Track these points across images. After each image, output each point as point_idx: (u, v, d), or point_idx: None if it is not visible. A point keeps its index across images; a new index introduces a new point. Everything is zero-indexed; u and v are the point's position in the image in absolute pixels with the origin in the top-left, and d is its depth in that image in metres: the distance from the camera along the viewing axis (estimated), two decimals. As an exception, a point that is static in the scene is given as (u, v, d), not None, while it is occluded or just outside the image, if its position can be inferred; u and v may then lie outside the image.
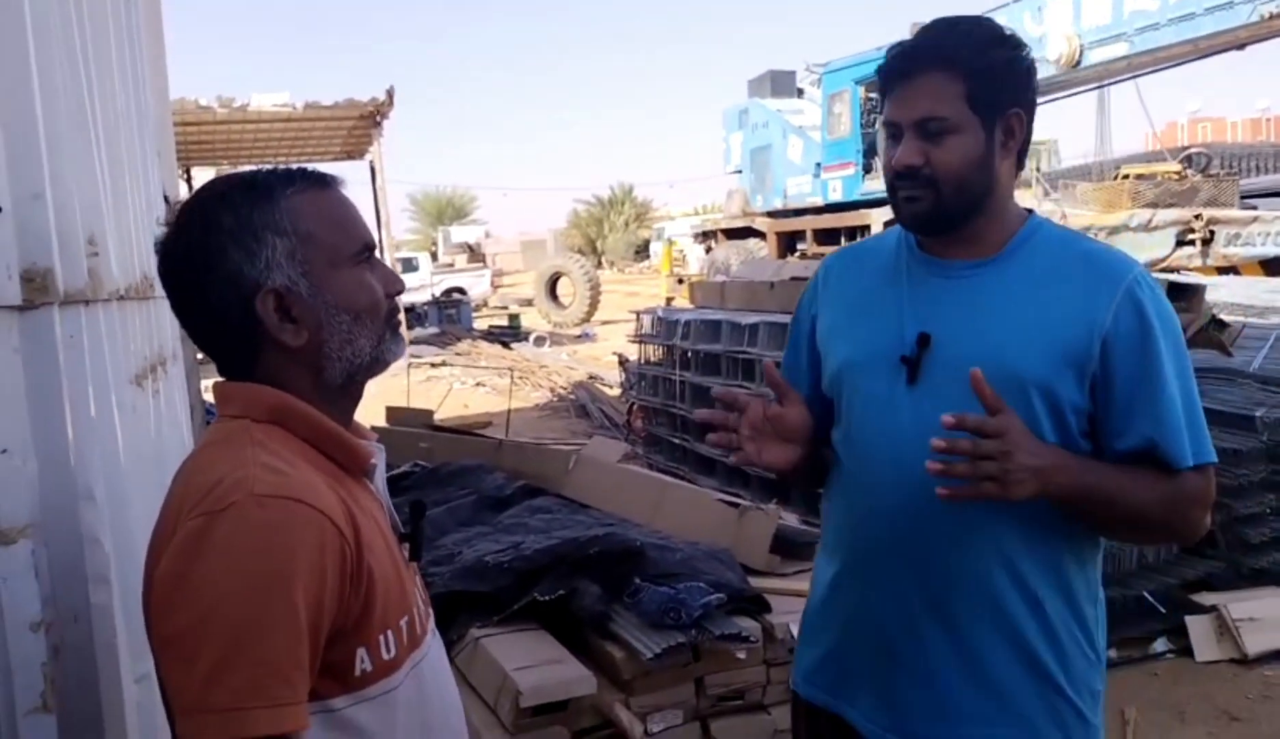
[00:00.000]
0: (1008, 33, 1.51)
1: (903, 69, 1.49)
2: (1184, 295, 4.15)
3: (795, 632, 2.51)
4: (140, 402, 2.24)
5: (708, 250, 17.84)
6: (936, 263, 1.54)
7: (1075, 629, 1.50)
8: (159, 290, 2.88)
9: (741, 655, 2.91)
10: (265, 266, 1.12)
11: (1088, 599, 1.52)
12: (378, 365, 1.22)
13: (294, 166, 1.22)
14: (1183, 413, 1.43)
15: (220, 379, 1.20)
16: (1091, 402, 1.45)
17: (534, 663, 2.82)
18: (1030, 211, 1.58)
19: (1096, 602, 1.54)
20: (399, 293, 1.26)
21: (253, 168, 1.22)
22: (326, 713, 1.08)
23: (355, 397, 1.25)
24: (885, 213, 12.12)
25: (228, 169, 17.13)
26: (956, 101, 1.44)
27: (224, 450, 1.10)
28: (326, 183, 1.20)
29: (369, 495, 1.21)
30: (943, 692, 1.50)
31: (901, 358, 1.49)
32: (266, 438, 1.11)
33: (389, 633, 1.14)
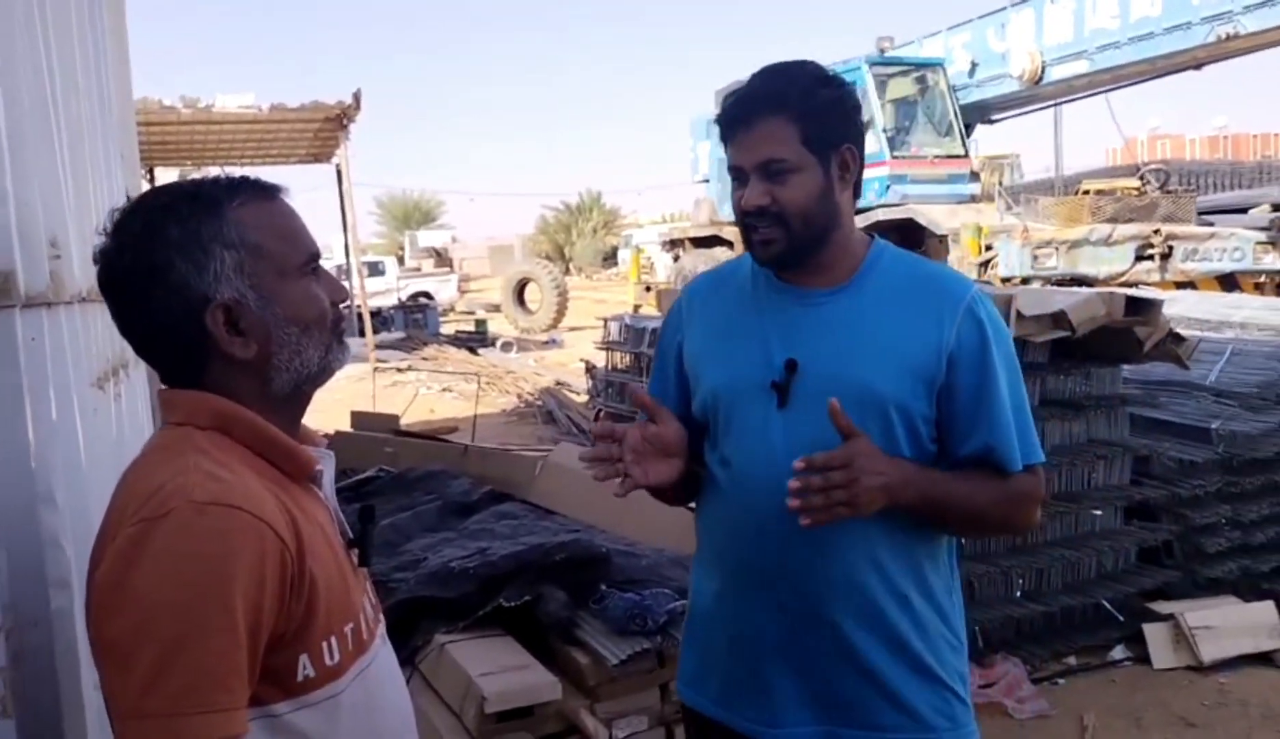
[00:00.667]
0: (831, 73, 1.62)
1: (741, 117, 1.58)
2: (1142, 310, 4.22)
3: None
4: (101, 405, 2.21)
5: (675, 258, 17.89)
6: (793, 291, 1.64)
7: (939, 620, 1.63)
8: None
9: (706, 662, 2.92)
10: (214, 279, 1.12)
11: (944, 592, 1.65)
12: (324, 374, 1.23)
13: (237, 176, 1.22)
14: (1013, 420, 1.57)
15: (164, 388, 1.20)
16: (937, 411, 1.58)
17: (499, 669, 2.82)
18: (873, 237, 1.69)
19: (952, 593, 1.67)
20: (344, 301, 1.27)
21: (197, 175, 1.21)
22: (268, 718, 1.08)
23: (302, 404, 1.25)
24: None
25: (192, 170, 16.97)
26: (793, 143, 1.55)
27: (165, 457, 1.10)
28: (272, 193, 1.20)
29: (315, 501, 1.21)
30: (828, 688, 1.60)
31: (772, 383, 1.58)
32: (209, 445, 1.11)
33: (332, 639, 1.14)
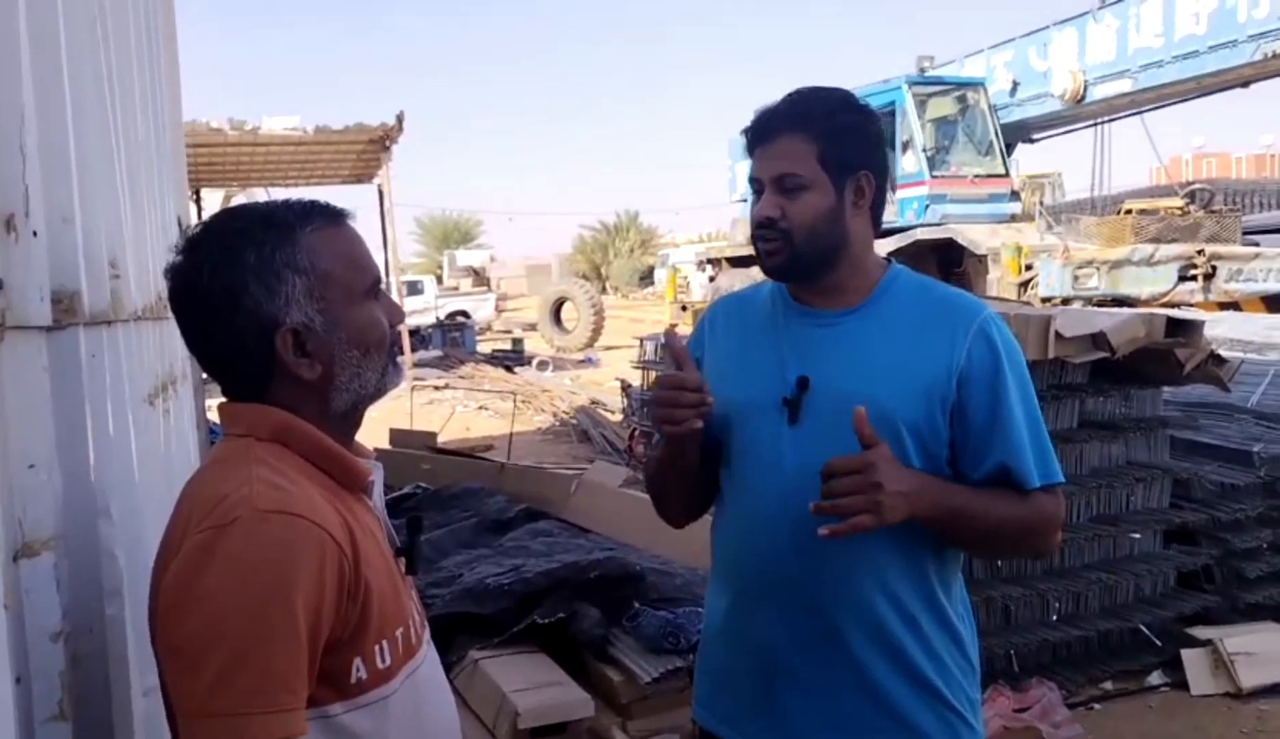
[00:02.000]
0: (860, 102, 1.65)
1: (763, 131, 1.63)
2: (1183, 331, 4.19)
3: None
4: (151, 420, 2.29)
5: (711, 279, 17.92)
6: (809, 312, 1.67)
7: (950, 644, 1.63)
8: (172, 311, 2.93)
9: (739, 681, 2.94)
10: (284, 303, 1.16)
11: (957, 616, 1.66)
12: (379, 394, 1.27)
13: (308, 200, 1.26)
14: (1029, 439, 1.59)
15: (225, 401, 1.25)
16: (951, 431, 1.59)
17: (533, 685, 2.86)
18: (889, 261, 1.72)
19: (964, 619, 1.68)
20: (401, 323, 1.32)
21: (265, 196, 1.27)
22: (323, 719, 1.13)
23: (357, 421, 1.30)
24: (890, 243, 12.19)
25: (237, 191, 17.27)
26: (809, 161, 1.59)
27: (229, 468, 1.14)
28: (341, 219, 1.25)
29: (367, 511, 1.25)
30: (836, 708, 1.61)
31: (784, 400, 1.61)
32: (269, 456, 1.16)
33: (384, 643, 1.18)
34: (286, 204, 1.24)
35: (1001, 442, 1.57)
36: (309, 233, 1.20)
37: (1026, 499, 1.59)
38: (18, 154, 1.13)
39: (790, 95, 1.66)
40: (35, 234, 1.16)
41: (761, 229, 1.63)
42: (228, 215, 1.23)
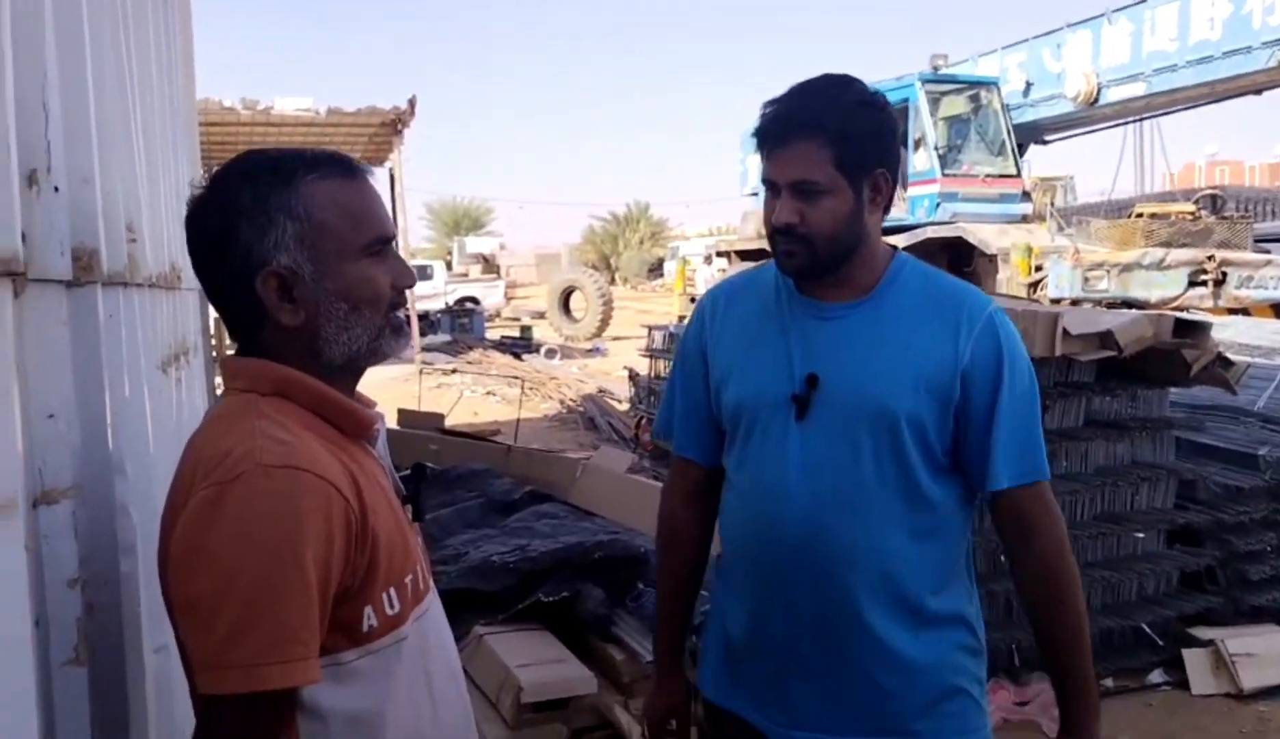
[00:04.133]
0: (872, 94, 1.61)
1: (776, 134, 1.60)
2: (1191, 332, 4.19)
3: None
4: (164, 387, 2.31)
5: (721, 272, 17.91)
6: (814, 305, 1.66)
7: (957, 625, 1.66)
8: (185, 282, 2.97)
9: (740, 664, 2.96)
10: (274, 246, 1.17)
11: (963, 597, 1.68)
12: (374, 356, 1.26)
13: (326, 151, 1.26)
14: (1023, 436, 1.60)
15: (227, 356, 1.27)
16: (955, 426, 1.61)
17: (536, 661, 2.88)
18: (895, 249, 1.71)
19: (972, 598, 1.70)
20: (408, 287, 1.30)
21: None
22: (336, 666, 1.15)
23: (355, 376, 1.30)
24: (899, 240, 12.15)
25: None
26: (826, 166, 1.56)
27: (231, 423, 1.15)
28: (353, 172, 1.25)
29: (372, 461, 1.27)
30: (841, 692, 1.63)
31: (792, 396, 1.62)
32: (272, 410, 1.17)
33: (393, 590, 1.20)
34: (300, 152, 1.24)
35: (998, 438, 1.58)
36: (311, 180, 1.20)
37: (1048, 582, 1.63)
38: (40, 111, 1.14)
39: (800, 92, 1.62)
40: (56, 190, 1.18)
41: (779, 234, 1.61)
42: (243, 158, 1.24)
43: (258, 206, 1.17)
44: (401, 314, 1.32)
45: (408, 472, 1.39)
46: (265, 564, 1.05)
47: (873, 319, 1.63)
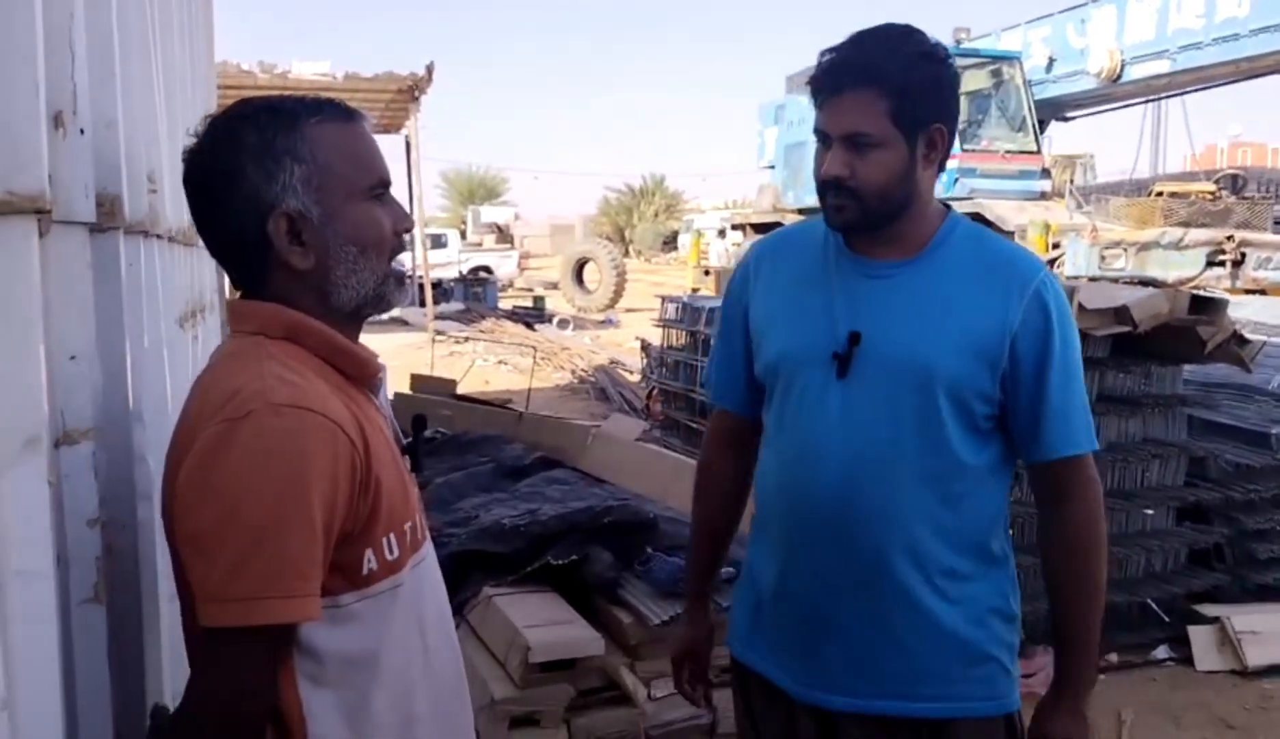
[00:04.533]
0: (933, 45, 1.57)
1: (831, 83, 1.55)
2: (1207, 309, 4.17)
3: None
4: (181, 342, 2.33)
5: (736, 245, 17.87)
6: (863, 262, 1.63)
7: (991, 592, 1.64)
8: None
9: (746, 628, 2.98)
10: (281, 189, 1.17)
11: (1000, 563, 1.67)
12: (380, 303, 1.28)
13: (322, 97, 1.27)
14: (1071, 404, 1.58)
15: (235, 299, 1.27)
16: (1002, 394, 1.58)
17: (545, 622, 2.90)
18: (948, 208, 1.67)
19: (1008, 563, 1.69)
20: (408, 230, 1.31)
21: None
22: (335, 607, 1.17)
23: (358, 325, 1.31)
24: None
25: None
26: (881, 118, 1.52)
27: (241, 363, 1.16)
28: (351, 116, 1.26)
29: (375, 409, 1.28)
30: (870, 658, 1.62)
31: (834, 354, 1.59)
32: (281, 353, 1.18)
33: (392, 536, 1.22)
34: (299, 97, 1.25)
35: (1045, 408, 1.56)
36: (314, 124, 1.20)
37: (1069, 542, 1.63)
38: (68, 51, 1.15)
39: (858, 40, 1.57)
40: (82, 132, 1.19)
41: (828, 187, 1.57)
42: (240, 103, 1.24)
43: (264, 150, 1.17)
44: (402, 265, 1.33)
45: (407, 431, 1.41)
46: (271, 499, 1.06)
47: (921, 279, 1.59)
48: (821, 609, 1.64)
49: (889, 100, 1.51)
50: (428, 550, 1.34)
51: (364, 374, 1.27)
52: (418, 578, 1.28)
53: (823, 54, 1.58)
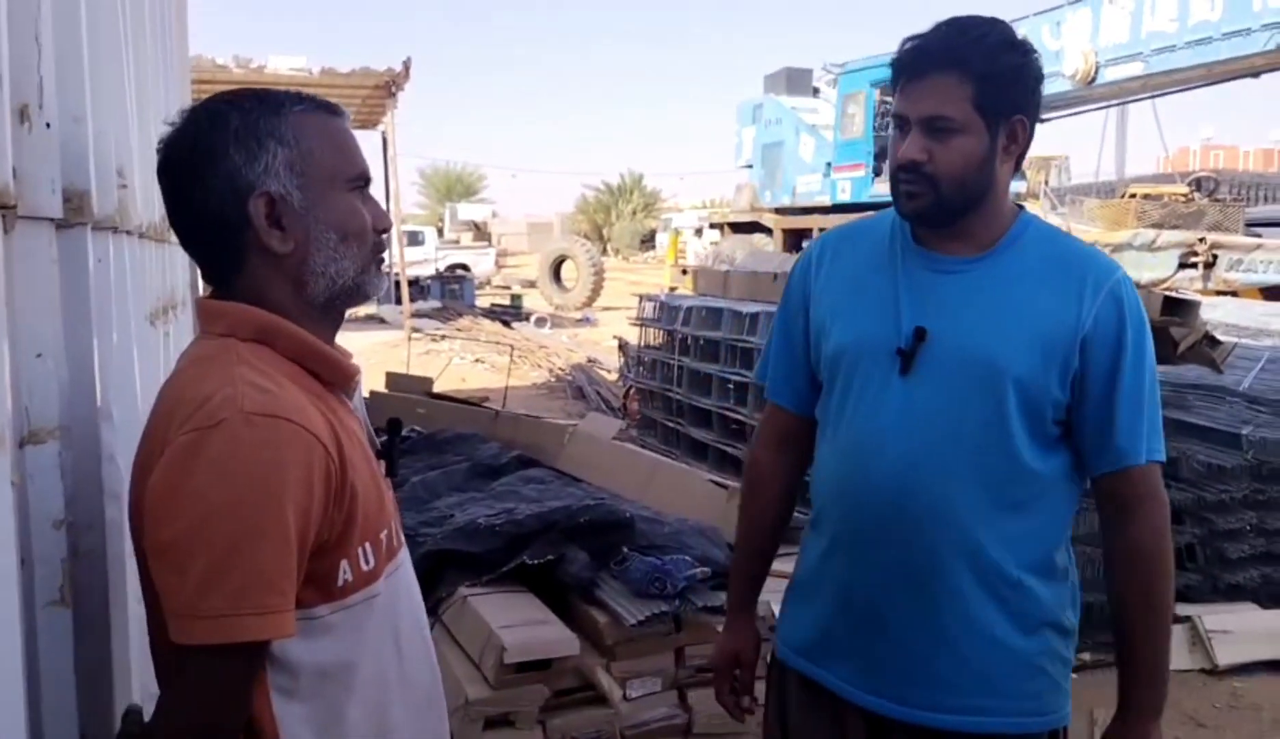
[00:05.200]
0: (1019, 38, 1.54)
1: (914, 66, 1.53)
2: (1180, 310, 4.21)
3: (776, 610, 2.59)
4: (152, 340, 2.30)
5: (713, 244, 17.90)
6: (930, 257, 1.60)
7: (1049, 603, 1.59)
8: (175, 235, 2.95)
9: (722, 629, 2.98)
10: (263, 171, 1.15)
11: (1060, 575, 1.61)
12: (358, 294, 1.25)
13: (306, 92, 1.25)
14: (1140, 413, 1.53)
15: (206, 297, 1.23)
16: (1070, 397, 1.53)
17: (520, 622, 2.89)
18: (1021, 208, 1.64)
19: (1069, 576, 1.63)
20: (386, 230, 1.28)
21: None
22: (309, 620, 1.13)
23: (336, 320, 1.28)
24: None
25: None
26: (963, 104, 1.49)
27: (210, 367, 1.12)
28: (334, 111, 1.24)
29: (348, 411, 1.25)
30: (921, 662, 1.57)
31: (898, 349, 1.55)
32: (252, 356, 1.14)
33: (368, 546, 1.19)
34: (282, 89, 1.23)
35: (1115, 413, 1.52)
36: (298, 111, 1.19)
37: (1133, 560, 1.58)
38: (33, 43, 1.13)
39: (945, 27, 1.54)
40: (48, 126, 1.17)
41: (904, 171, 1.53)
42: (222, 92, 1.22)
43: (248, 131, 1.16)
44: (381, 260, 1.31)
45: (382, 424, 1.38)
46: (244, 510, 1.03)
47: (991, 276, 1.55)
48: (873, 609, 1.60)
49: (973, 85, 1.48)
50: (403, 557, 1.31)
51: (338, 379, 1.24)
52: (393, 586, 1.25)
53: (905, 41, 1.56)
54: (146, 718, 1.28)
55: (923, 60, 1.52)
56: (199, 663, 1.04)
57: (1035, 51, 1.57)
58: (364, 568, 1.19)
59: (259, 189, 1.15)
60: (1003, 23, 1.55)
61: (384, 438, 1.38)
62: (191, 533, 1.03)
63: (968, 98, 1.48)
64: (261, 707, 1.12)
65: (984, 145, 1.51)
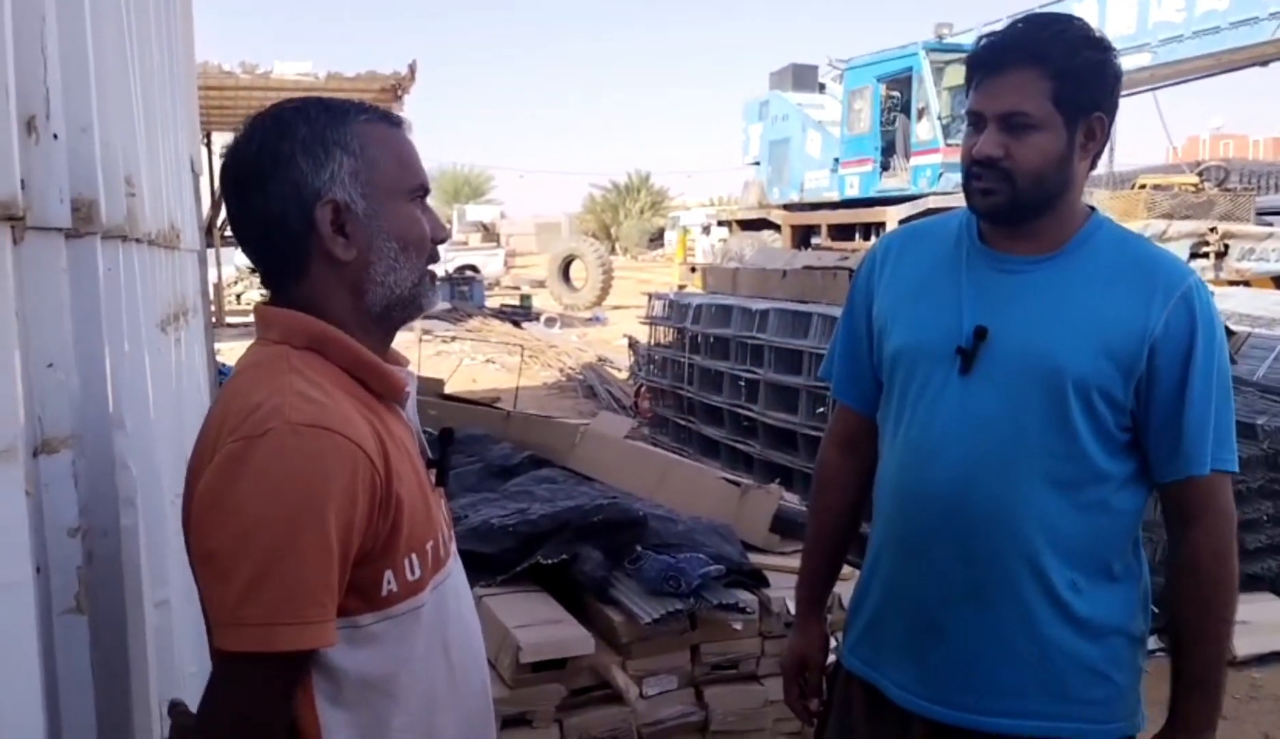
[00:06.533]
0: (1099, 35, 1.52)
1: (992, 61, 1.51)
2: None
3: (791, 607, 2.58)
4: (164, 346, 2.31)
5: (721, 241, 17.88)
6: (997, 256, 1.57)
7: (1116, 610, 1.56)
8: (184, 242, 2.96)
9: (738, 626, 2.98)
10: (329, 179, 1.18)
11: (1128, 579, 1.58)
12: (414, 306, 1.26)
13: (367, 102, 1.28)
14: (1211, 421, 1.49)
15: (261, 303, 1.25)
16: (1136, 402, 1.50)
17: (535, 622, 2.89)
18: (1093, 209, 1.60)
19: (1139, 580, 1.60)
20: (443, 241, 1.31)
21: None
22: (353, 629, 1.14)
23: (391, 329, 1.29)
24: (901, 210, 12.12)
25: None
26: (1042, 99, 1.46)
27: (262, 375, 1.14)
28: (397, 122, 1.27)
29: (400, 423, 1.26)
30: (978, 668, 1.55)
31: (958, 348, 1.54)
32: (304, 365, 1.15)
33: (414, 556, 1.19)
34: (347, 99, 1.25)
35: (1180, 421, 1.49)
36: (363, 121, 1.22)
37: (1196, 572, 1.54)
38: (39, 55, 1.13)
39: (1023, 23, 1.52)
40: (56, 137, 1.17)
41: (980, 166, 1.51)
42: (289, 100, 1.24)
43: (314, 140, 1.18)
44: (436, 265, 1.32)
45: (434, 433, 1.38)
46: (287, 520, 1.05)
47: (1058, 277, 1.52)
48: (933, 615, 1.58)
49: (1052, 81, 1.46)
50: (452, 568, 1.31)
51: (389, 391, 1.24)
52: (440, 597, 1.25)
53: (982, 37, 1.55)
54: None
55: (1001, 55, 1.50)
56: (239, 669, 1.06)
57: (1114, 50, 1.54)
58: (409, 578, 1.19)
59: (325, 197, 1.18)
60: (1082, 20, 1.54)
61: (432, 438, 1.36)
62: (235, 542, 1.05)
63: (1047, 93, 1.46)
64: (306, 711, 1.13)
65: (1062, 142, 1.48)
